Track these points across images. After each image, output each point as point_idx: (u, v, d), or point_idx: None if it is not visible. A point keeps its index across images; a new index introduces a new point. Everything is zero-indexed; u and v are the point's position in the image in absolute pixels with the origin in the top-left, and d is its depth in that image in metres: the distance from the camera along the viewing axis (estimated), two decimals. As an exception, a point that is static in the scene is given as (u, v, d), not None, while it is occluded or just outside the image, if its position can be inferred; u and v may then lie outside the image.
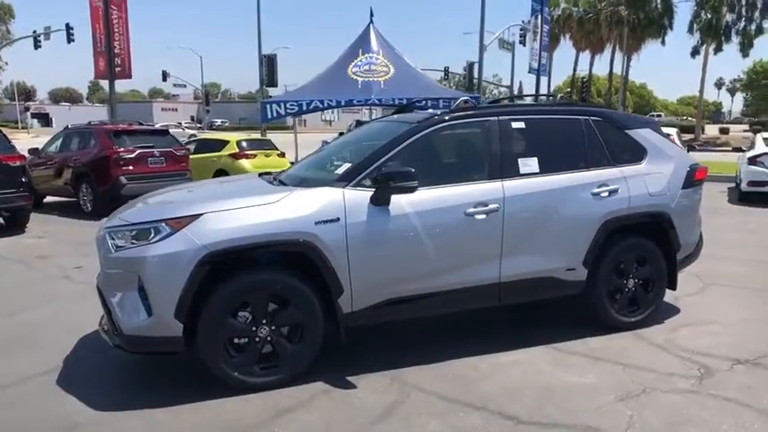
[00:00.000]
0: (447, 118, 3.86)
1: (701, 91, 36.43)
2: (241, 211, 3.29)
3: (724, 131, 44.36)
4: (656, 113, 62.91)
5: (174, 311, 3.14)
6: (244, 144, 13.33)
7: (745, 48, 32.77)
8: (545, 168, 3.98)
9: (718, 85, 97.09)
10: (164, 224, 3.20)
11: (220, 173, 12.97)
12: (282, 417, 3.10)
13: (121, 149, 10.00)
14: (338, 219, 3.39)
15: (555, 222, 3.95)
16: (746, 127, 43.84)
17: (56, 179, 10.92)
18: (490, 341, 4.07)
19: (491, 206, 3.73)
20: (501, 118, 4.00)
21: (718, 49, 32.77)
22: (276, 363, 3.39)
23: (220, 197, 3.54)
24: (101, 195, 9.97)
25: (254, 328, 3.32)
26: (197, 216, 3.21)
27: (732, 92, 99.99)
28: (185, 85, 56.48)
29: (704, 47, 34.37)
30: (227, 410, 3.17)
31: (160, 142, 10.81)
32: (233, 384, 3.32)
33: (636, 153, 4.34)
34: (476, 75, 23.84)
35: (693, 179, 4.50)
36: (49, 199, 11.67)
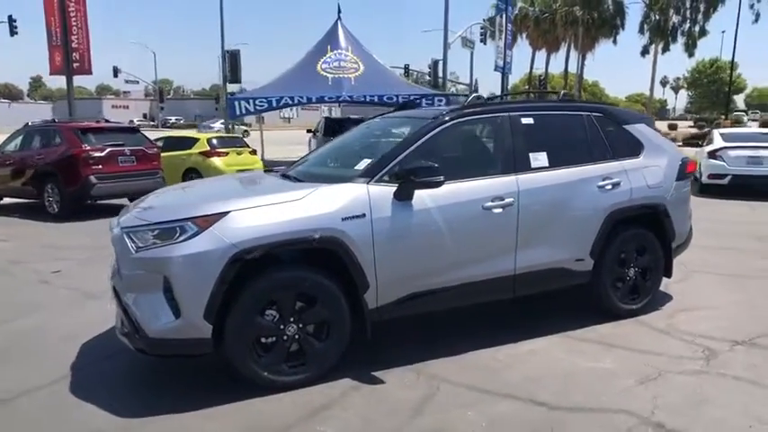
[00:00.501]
0: (463, 113, 3.91)
1: (652, 89, 38.04)
2: (268, 209, 3.24)
3: (672, 127, 46.29)
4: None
5: (203, 312, 3.07)
6: (215, 141, 13.05)
7: (690, 48, 34.43)
8: (553, 162, 4.09)
9: (663, 83, 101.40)
10: (190, 223, 3.12)
11: (191, 171, 12.68)
12: (318, 415, 3.08)
13: (90, 148, 9.61)
14: (364, 214, 3.39)
15: (565, 215, 4.07)
16: (691, 123, 45.92)
17: (15, 180, 10.40)
18: (503, 332, 4.15)
19: (507, 200, 3.81)
20: (512, 114, 4.09)
21: (665, 49, 34.32)
22: (304, 361, 3.36)
23: (242, 194, 3.48)
24: (68, 196, 9.56)
25: (281, 327, 3.29)
26: (224, 214, 3.15)
27: (675, 89, 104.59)
28: (138, 82, 54.68)
29: (653, 46, 35.89)
30: (260, 411, 3.13)
31: (130, 140, 10.45)
32: (262, 384, 3.28)
33: (633, 147, 4.51)
34: (441, 73, 24.07)
35: (685, 172, 4.72)
36: (6, 201, 11.13)
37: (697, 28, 33.38)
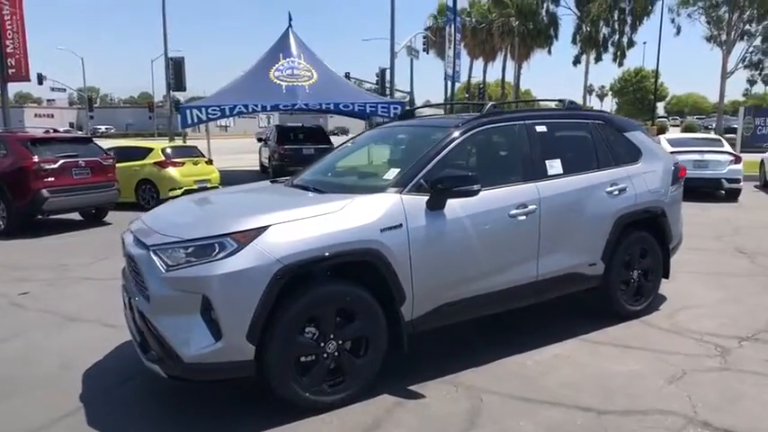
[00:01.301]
0: (483, 122, 3.91)
1: (584, 96, 39.91)
2: (307, 221, 3.10)
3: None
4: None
5: (246, 333, 2.89)
6: (169, 151, 12.49)
7: (619, 58, 36.44)
8: (567, 170, 4.17)
9: (589, 90, 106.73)
10: (229, 238, 2.93)
11: (144, 183, 12.10)
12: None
13: (41, 159, 8.93)
14: (401, 225, 3.32)
15: (579, 221, 4.16)
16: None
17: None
18: (520, 338, 4.18)
19: (530, 207, 3.85)
20: (527, 122, 4.14)
21: (598, 59, 36.17)
22: (343, 378, 3.23)
23: (275, 207, 3.29)
24: (18, 211, 8.85)
25: (321, 344, 3.15)
26: (264, 228, 2.99)
27: (601, 97, 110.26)
28: (65, 89, 51.64)
29: (584, 56, 37.76)
30: (305, 435, 2.98)
31: (84, 151, 9.81)
32: (304, 406, 3.12)
33: (633, 153, 4.68)
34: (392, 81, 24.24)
35: (678, 176, 4.95)
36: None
37: (625, 39, 35.43)
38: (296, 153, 16.83)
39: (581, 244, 4.18)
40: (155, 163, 12.11)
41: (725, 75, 32.58)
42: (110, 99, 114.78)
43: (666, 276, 4.88)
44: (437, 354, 3.96)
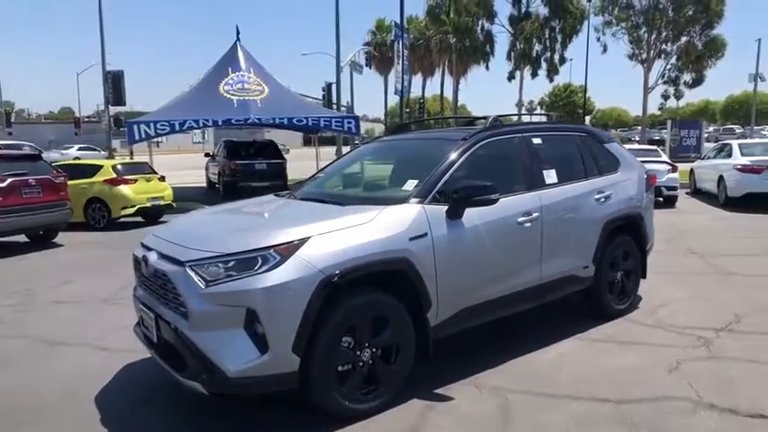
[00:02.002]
0: (489, 134, 4.13)
1: (519, 111, 41.66)
2: (343, 232, 3.18)
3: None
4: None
5: (291, 345, 2.92)
6: (120, 168, 12.01)
7: (551, 74, 38.41)
8: (560, 179, 4.46)
9: (519, 105, 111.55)
10: (272, 251, 2.96)
11: (94, 201, 11.56)
12: (414, 437, 3.06)
13: (-12, 178, 8.41)
14: (426, 234, 3.45)
15: (574, 226, 4.45)
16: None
17: None
18: (524, 340, 4.38)
19: (534, 215, 4.09)
20: (524, 134, 4.40)
21: (534, 75, 37.96)
22: (376, 386, 3.31)
23: (306, 219, 3.34)
24: (-37, 234, 8.27)
25: (357, 353, 3.22)
26: (304, 240, 3.04)
27: (530, 111, 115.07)
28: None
29: (519, 72, 39.52)
30: (352, 442, 3.03)
31: (34, 168, 9.30)
32: (344, 415, 3.17)
33: (613, 163, 5.06)
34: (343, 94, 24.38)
35: (649, 183, 5.38)
36: None
37: (557, 56, 37.42)
38: (248, 168, 16.61)
39: (576, 248, 4.47)
40: (105, 180, 11.61)
41: (647, 90, 35.04)
42: (27, 115, 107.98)
43: (644, 276, 5.27)
44: (452, 358, 4.10)
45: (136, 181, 11.92)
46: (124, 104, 21.05)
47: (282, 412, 3.37)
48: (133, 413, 3.47)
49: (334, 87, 25.98)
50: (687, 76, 35.19)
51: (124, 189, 11.63)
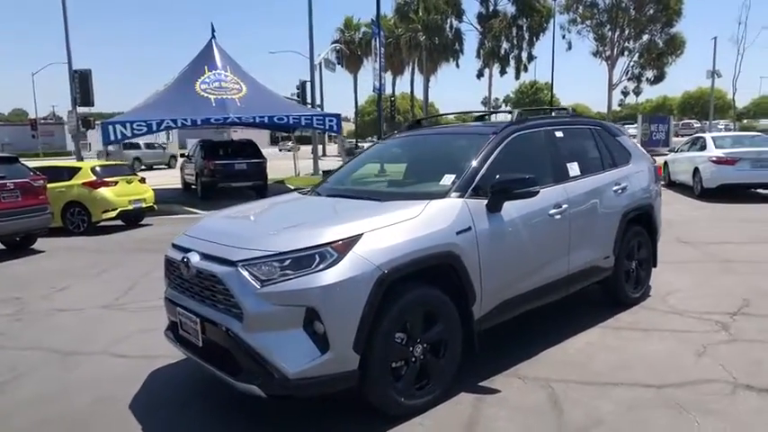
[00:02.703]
0: (518, 128, 4.16)
1: (489, 107, 42.17)
2: (394, 228, 3.15)
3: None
4: (443, 128, 70.53)
5: (352, 343, 2.88)
6: (99, 170, 11.62)
7: (519, 72, 39.06)
8: (582, 171, 4.54)
9: (484, 102, 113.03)
10: (329, 248, 2.91)
11: (73, 205, 11.17)
12: (471, 429, 3.06)
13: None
14: (470, 228, 3.46)
15: (597, 218, 4.54)
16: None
17: None
18: (551, 331, 4.44)
19: (563, 207, 4.15)
20: (547, 128, 4.46)
21: (503, 72, 38.57)
22: (427, 381, 3.30)
23: (353, 216, 3.29)
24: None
25: (410, 348, 3.20)
26: (358, 236, 3.00)
27: (495, 108, 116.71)
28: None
29: (488, 70, 40.04)
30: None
31: (11, 172, 8.91)
32: (399, 412, 3.15)
33: (626, 156, 5.17)
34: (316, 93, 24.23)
35: (657, 174, 5.52)
36: None
37: (525, 54, 38.08)
38: (227, 168, 16.31)
39: (599, 239, 4.56)
40: (84, 183, 11.23)
41: (611, 86, 36.02)
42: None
43: (655, 265, 5.41)
44: (486, 351, 4.10)
45: (116, 183, 11.57)
46: (92, 105, 20.25)
47: (334, 411, 3.33)
48: (176, 417, 3.37)
49: (308, 86, 25.80)
50: (649, 73, 36.29)
51: (105, 192, 11.28)
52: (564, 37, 36.70)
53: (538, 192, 3.65)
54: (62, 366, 4.30)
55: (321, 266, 2.88)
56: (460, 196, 3.57)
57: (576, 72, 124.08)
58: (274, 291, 2.85)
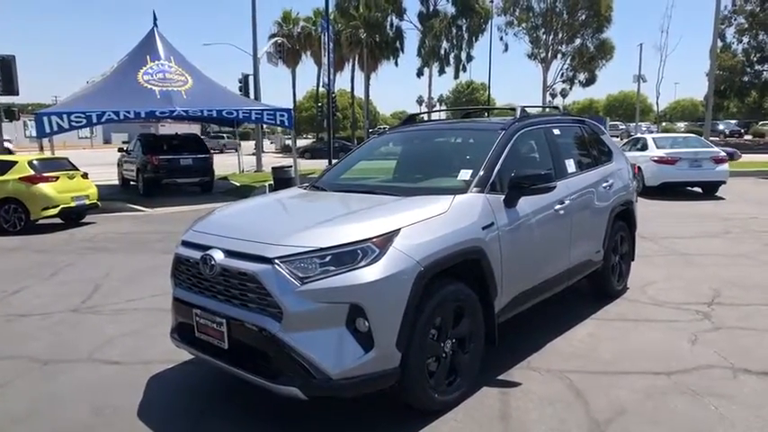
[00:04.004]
0: (523, 125, 4.23)
1: (429, 106, 42.76)
2: (427, 223, 3.12)
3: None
4: (381, 126, 70.98)
5: (395, 340, 2.83)
6: (37, 164, 10.78)
7: (458, 71, 39.87)
8: (578, 168, 4.69)
9: (419, 101, 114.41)
10: (371, 243, 2.84)
11: (8, 201, 10.31)
12: (511, 423, 3.09)
13: None
14: (492, 223, 3.49)
15: (592, 213, 4.70)
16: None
17: None
18: (549, 324, 4.57)
19: (566, 203, 4.26)
20: (545, 126, 4.56)
21: (441, 71, 39.18)
22: (455, 376, 3.30)
23: (384, 211, 3.23)
24: None
25: (441, 344, 3.19)
26: (396, 232, 2.94)
27: (430, 107, 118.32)
28: None
29: (427, 69, 40.59)
30: (451, 433, 3.00)
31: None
32: (433, 408, 3.14)
33: (608, 153, 5.39)
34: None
35: (634, 173, 5.79)
36: None
37: (464, 54, 38.90)
38: (172, 164, 15.63)
39: (592, 234, 4.74)
40: (21, 178, 10.39)
41: (545, 88, 37.49)
42: None
43: (633, 259, 5.68)
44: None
45: (57, 178, 10.77)
46: (17, 94, 18.70)
47: (368, 410, 3.26)
48: (196, 424, 3.18)
49: (251, 80, 25.12)
50: (582, 76, 38.07)
51: (44, 188, 10.48)
52: (501, 39, 37.91)
53: (555, 187, 3.73)
54: (44, 376, 3.95)
55: (364, 262, 2.80)
56: (480, 191, 3.58)
57: (511, 73, 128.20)
58: (317, 288, 2.75)
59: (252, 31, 24.04)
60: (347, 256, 2.81)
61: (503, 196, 3.65)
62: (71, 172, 11.33)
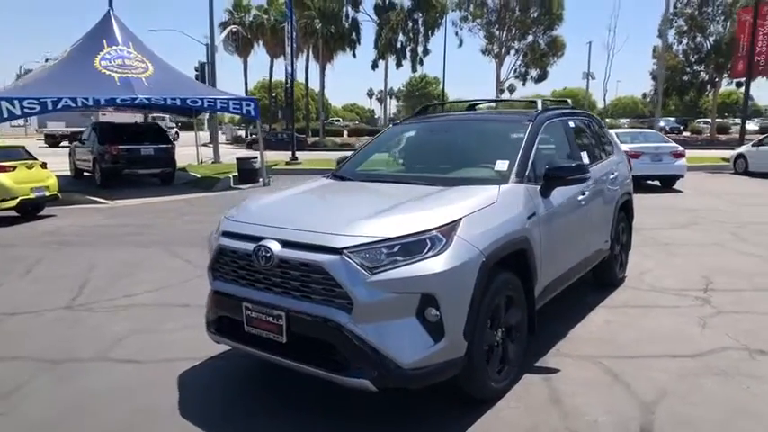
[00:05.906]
0: (546, 117, 4.30)
1: (385, 99, 42.85)
2: (482, 213, 3.13)
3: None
4: (334, 119, 70.50)
5: (463, 329, 2.84)
6: (-8, 153, 10.09)
7: (416, 64, 40.07)
8: (590, 160, 4.82)
9: (369, 94, 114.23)
10: (438, 233, 2.82)
11: (-39, 193, 9.58)
12: (564, 407, 3.16)
13: None
14: (535, 213, 3.55)
15: (603, 204, 4.86)
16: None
17: None
18: (564, 312, 4.69)
19: (586, 193, 4.39)
20: (562, 118, 4.66)
21: (398, 64, 39.23)
22: (504, 364, 3.34)
23: (438, 201, 3.21)
24: None
25: (494, 333, 3.23)
26: (458, 221, 2.94)
27: (380, 101, 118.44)
28: None
29: (382, 61, 40.58)
30: (509, 424, 3.04)
31: None
32: (488, 395, 3.18)
33: (610, 146, 5.58)
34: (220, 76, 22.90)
35: (629, 165, 6.02)
36: None
37: (421, 48, 39.13)
38: (132, 153, 14.99)
39: (603, 223, 4.90)
40: (-25, 168, 9.69)
41: (499, 83, 38.23)
42: None
43: (630, 248, 5.91)
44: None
45: (14, 168, 10.12)
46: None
47: (419, 400, 3.25)
48: (250, 425, 3.07)
49: (207, 68, 24.35)
50: (534, 72, 39.07)
51: (2, 178, 9.82)
52: (456, 34, 38.37)
53: (589, 178, 3.82)
54: (60, 377, 3.72)
55: (432, 252, 2.79)
56: (520, 182, 3.63)
57: (466, 68, 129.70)
58: (388, 278, 2.71)
59: (209, 17, 23.29)
60: (415, 246, 2.79)
61: (538, 186, 3.72)
62: (29, 161, 10.67)
